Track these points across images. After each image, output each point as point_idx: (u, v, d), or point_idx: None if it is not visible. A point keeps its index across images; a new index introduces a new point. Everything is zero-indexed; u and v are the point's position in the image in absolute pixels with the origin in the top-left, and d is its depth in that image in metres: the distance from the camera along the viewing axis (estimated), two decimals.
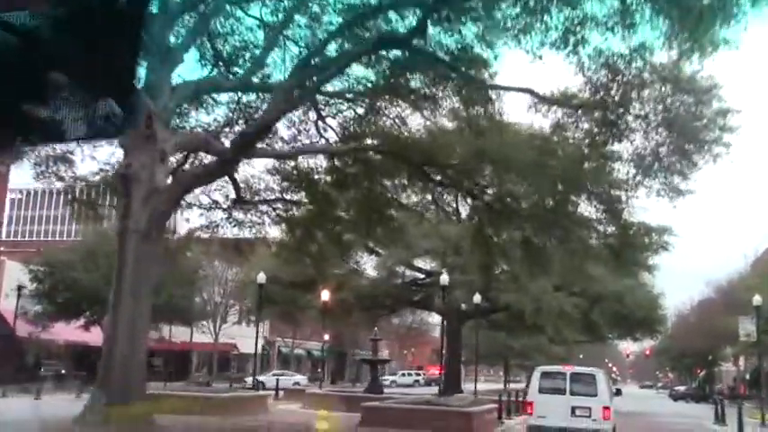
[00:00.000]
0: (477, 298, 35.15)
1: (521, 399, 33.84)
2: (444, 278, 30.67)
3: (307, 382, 57.09)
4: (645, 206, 23.11)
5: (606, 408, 18.04)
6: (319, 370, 79.99)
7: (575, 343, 72.65)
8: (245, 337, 67.33)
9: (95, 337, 46.92)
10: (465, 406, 23.15)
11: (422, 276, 44.21)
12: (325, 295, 35.44)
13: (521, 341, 56.13)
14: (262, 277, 34.64)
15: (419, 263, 42.95)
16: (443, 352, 42.74)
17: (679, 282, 76.65)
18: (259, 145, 21.95)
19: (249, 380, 56.60)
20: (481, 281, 36.22)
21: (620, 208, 20.02)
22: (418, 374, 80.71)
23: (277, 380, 40.28)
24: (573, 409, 17.94)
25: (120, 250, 16.98)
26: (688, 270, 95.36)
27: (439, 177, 21.85)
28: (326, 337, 70.04)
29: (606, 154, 19.71)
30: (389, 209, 27.11)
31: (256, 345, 39.08)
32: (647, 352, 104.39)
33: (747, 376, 74.25)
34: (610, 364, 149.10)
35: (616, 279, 39.38)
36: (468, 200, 23.78)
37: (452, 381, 43.12)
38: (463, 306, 43.49)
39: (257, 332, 37.45)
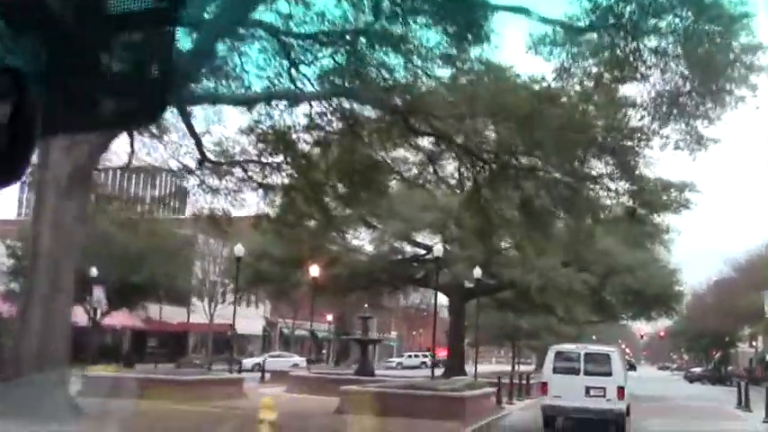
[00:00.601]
0: (477, 272, 32.22)
1: (525, 381, 31.12)
2: (438, 248, 27.65)
3: (305, 363, 54.40)
4: (662, 163, 19.85)
5: (621, 388, 17.70)
6: (324, 351, 77.55)
7: (586, 323, 69.71)
8: (245, 318, 64.93)
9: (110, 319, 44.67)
10: (457, 390, 20.32)
11: (423, 252, 41.25)
12: (314, 271, 32.61)
13: (530, 321, 53.04)
14: (239, 249, 31.89)
15: (420, 238, 39.95)
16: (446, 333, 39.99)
17: (696, 262, 73.44)
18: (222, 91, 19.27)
19: (247, 362, 54.42)
20: (482, 254, 33.28)
21: (633, 161, 16.93)
22: (425, 356, 77.77)
23: (263, 362, 37.33)
24: (587, 390, 17.62)
25: (37, 206, 14.21)
26: (705, 249, 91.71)
27: (426, 129, 18.89)
28: (330, 317, 67.41)
29: (617, 99, 16.63)
30: (376, 171, 24.17)
31: (233, 325, 36.24)
32: (662, 333, 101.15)
33: (767, 357, 71.01)
34: (623, 345, 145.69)
35: (628, 252, 36.35)
36: (464, 159, 20.70)
37: (456, 362, 40.34)
38: (467, 284, 40.63)
39: (235, 310, 34.70)
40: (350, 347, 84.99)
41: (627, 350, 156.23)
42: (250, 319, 66.73)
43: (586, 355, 18.49)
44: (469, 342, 63.59)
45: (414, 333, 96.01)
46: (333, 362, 70.42)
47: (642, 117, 15.87)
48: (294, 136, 24.07)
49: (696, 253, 75.47)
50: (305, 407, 21.93)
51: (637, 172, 17.15)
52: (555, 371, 18.42)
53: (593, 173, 17.55)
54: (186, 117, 22.17)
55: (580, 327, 69.56)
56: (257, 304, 66.81)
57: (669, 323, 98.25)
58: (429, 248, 40.10)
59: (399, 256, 40.82)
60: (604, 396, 17.56)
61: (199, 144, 21.91)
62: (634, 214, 17.76)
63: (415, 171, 37.92)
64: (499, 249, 35.20)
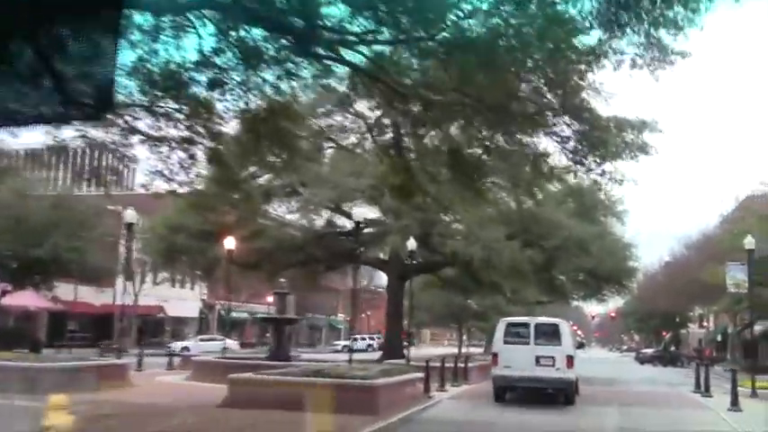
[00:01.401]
0: (411, 243, 28.48)
1: (464, 365, 27.66)
2: (358, 212, 23.59)
3: (238, 347, 50.39)
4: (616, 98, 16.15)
5: (570, 357, 17.90)
6: (268, 335, 73.49)
7: (536, 304, 66.77)
8: (180, 300, 60.53)
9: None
10: (371, 377, 16.57)
11: (359, 225, 37.36)
12: (229, 243, 28.53)
13: (477, 302, 49.71)
14: (131, 215, 27.61)
15: (356, 210, 36.05)
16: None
17: (650, 244, 71.06)
18: None
19: (176, 345, 50.13)
20: (419, 224, 29.64)
21: (581, 92, 13.26)
22: (372, 339, 74.25)
23: (170, 347, 33.00)
24: (537, 359, 17.82)
25: None
26: (657, 231, 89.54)
27: (318, 49, 14.94)
28: (271, 298, 63.20)
29: (561, 12, 12.93)
30: (289, 120, 20.15)
31: (124, 308, 31.94)
32: (613, 314, 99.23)
33: (719, 338, 69.01)
34: (575, 327, 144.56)
35: (579, 225, 33.07)
36: (383, 98, 16.71)
37: (393, 345, 36.69)
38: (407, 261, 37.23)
39: (125, 287, 30.44)
40: (296, 331, 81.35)
41: (578, 331, 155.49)
42: (186, 302, 62.35)
43: (536, 325, 18.65)
44: (417, 323, 60.35)
45: (362, 315, 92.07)
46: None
47: (590, 27, 12.15)
48: (186, 76, 19.98)
49: (651, 235, 73.17)
50: (191, 398, 18.04)
51: (585, 112, 13.51)
52: (505, 342, 18.49)
53: (532, 110, 13.90)
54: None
55: (530, 308, 66.74)
56: (192, 285, 62.39)
57: (620, 304, 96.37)
58: (365, 223, 36.32)
59: (333, 230, 36.88)
60: (554, 365, 17.69)
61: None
62: (583, 163, 14.13)
63: (353, 140, 34.25)
64: (437, 219, 31.55)
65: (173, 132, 21.78)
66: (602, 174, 15.03)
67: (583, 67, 12.64)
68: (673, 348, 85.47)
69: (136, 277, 48.28)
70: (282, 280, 29.71)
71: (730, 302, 35.60)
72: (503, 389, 18.85)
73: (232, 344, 50.37)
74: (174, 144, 22.03)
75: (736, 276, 26.51)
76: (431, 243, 32.58)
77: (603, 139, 13.74)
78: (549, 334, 18.54)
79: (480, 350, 73.48)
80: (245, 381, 16.34)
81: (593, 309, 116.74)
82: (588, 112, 13.39)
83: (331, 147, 35.30)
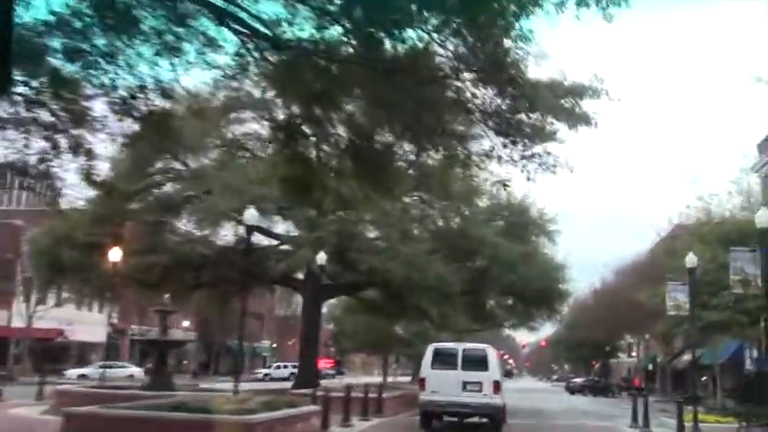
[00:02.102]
0: (321, 257, 25.13)
1: (378, 395, 24.32)
2: (251, 215, 19.78)
3: (143, 375, 45.80)
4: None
5: (496, 382, 17.79)
6: (185, 361, 68.67)
7: (466, 332, 63.96)
8: (85, 324, 55.43)
9: None
10: (248, 411, 13.10)
11: (275, 242, 33.81)
12: (115, 255, 24.61)
13: (404, 328, 46.41)
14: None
15: (266, 223, 32.46)
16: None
17: (579, 270, 69.26)
18: None
19: (72, 372, 45.37)
20: (334, 236, 26.39)
21: (503, 48, 10.32)
22: (296, 366, 70.03)
23: (41, 376, 28.58)
24: (464, 384, 17.78)
25: None
26: (588, 260, 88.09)
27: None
28: (186, 323, 58.81)
29: None
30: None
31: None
32: (543, 342, 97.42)
33: (649, 367, 67.42)
34: (506, 356, 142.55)
35: (508, 243, 30.37)
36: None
37: (307, 373, 33.08)
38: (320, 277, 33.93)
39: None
40: (216, 357, 76.56)
41: (510, 360, 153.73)
42: (92, 325, 57.14)
43: (464, 351, 18.56)
44: (341, 350, 56.86)
45: (289, 342, 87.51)
46: (192, 373, 61.87)
47: None
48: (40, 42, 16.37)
49: (582, 263, 71.39)
50: None
51: (513, 71, 10.53)
52: (433, 367, 18.31)
53: (448, 69, 10.88)
54: None
55: (459, 335, 63.85)
56: (101, 308, 57.36)
57: (551, 332, 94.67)
58: (276, 236, 32.80)
59: (240, 246, 33.20)
60: (480, 391, 17.62)
61: None
62: (511, 135, 11.15)
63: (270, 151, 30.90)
64: (355, 232, 28.36)
65: (28, 115, 17.93)
66: (532, 157, 12.06)
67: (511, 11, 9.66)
68: (602, 378, 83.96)
69: (31, 297, 43.49)
70: (166, 295, 25.88)
71: (668, 326, 33.24)
72: (430, 414, 18.64)
73: (137, 371, 45.87)
74: (32, 129, 18.16)
75: (676, 297, 24.12)
76: (348, 258, 29.30)
77: (531, 103, 10.78)
78: (477, 360, 18.36)
79: (409, 378, 70.35)
80: (79, 415, 12.67)
81: (524, 338, 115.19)
82: (515, 74, 10.41)
83: (242, 155, 31.98)
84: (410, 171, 24.42)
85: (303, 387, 31.06)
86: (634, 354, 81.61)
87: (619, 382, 78.53)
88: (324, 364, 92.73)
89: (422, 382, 18.69)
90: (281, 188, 15.59)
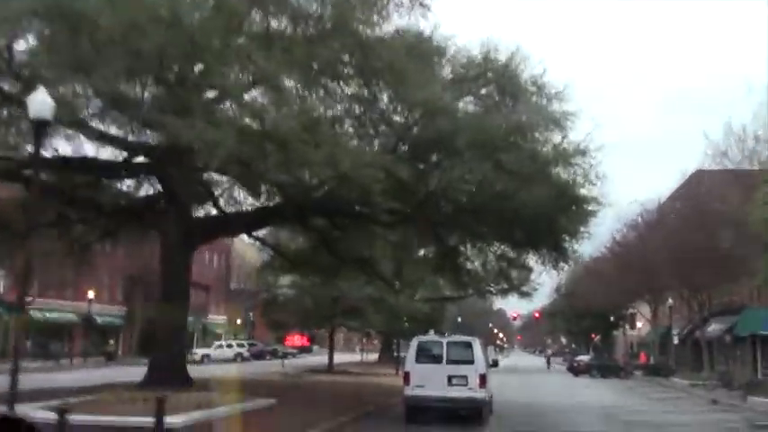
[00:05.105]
0: None
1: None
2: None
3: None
4: None
5: (482, 376, 17.18)
6: (111, 342, 56.01)
7: (442, 300, 50.82)
8: None
9: None
10: None
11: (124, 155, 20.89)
12: None
13: (354, 291, 33.03)
14: None
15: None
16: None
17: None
18: None
19: None
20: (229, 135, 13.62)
21: None
22: (242, 345, 57.26)
23: None
24: (450, 378, 17.11)
25: None
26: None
27: None
28: (91, 294, 45.74)
29: None
30: None
31: None
32: (536, 314, 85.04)
33: (656, 340, 54.91)
34: (495, 330, 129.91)
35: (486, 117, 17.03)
36: None
37: (170, 357, 20.31)
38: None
39: None
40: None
41: (500, 335, 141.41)
42: None
43: (448, 343, 17.75)
44: (274, 323, 43.29)
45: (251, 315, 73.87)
46: (105, 356, 49.17)
47: None
48: None
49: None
50: None
51: None
52: (418, 360, 17.54)
53: None
54: None
55: (435, 305, 50.68)
56: None
57: (545, 303, 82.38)
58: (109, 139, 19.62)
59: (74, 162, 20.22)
60: (466, 385, 17.02)
61: None
62: None
63: None
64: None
65: None
66: None
67: None
68: (604, 354, 71.99)
69: None
70: None
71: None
72: (414, 409, 17.31)
73: None
74: None
75: None
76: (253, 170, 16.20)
77: None
78: (461, 352, 17.42)
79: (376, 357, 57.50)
80: None
81: (515, 309, 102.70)
82: None
83: None
84: None
85: (164, 380, 18.60)
86: (640, 325, 69.58)
87: (624, 357, 66.48)
88: (297, 341, 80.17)
89: (407, 375, 17.64)
90: None
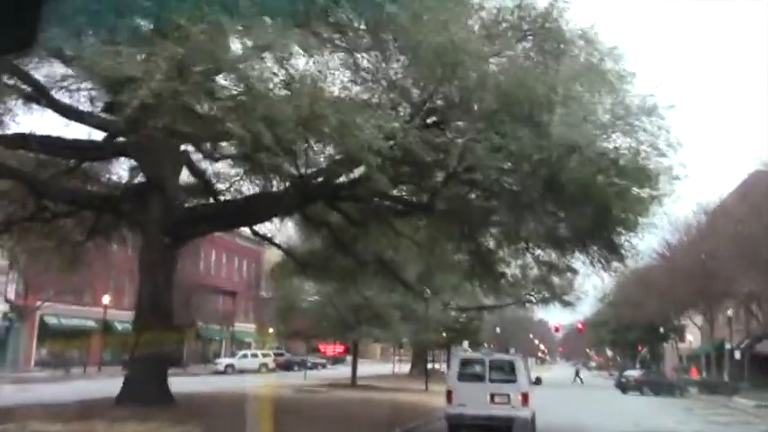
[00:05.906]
0: None
1: None
2: None
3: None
4: None
5: (524, 394, 17.09)
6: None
7: (478, 309, 47.29)
8: None
9: None
10: None
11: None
12: None
13: (377, 298, 29.70)
14: None
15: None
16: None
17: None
18: None
19: None
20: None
21: None
22: (267, 355, 54.38)
23: None
24: (492, 397, 17.11)
25: None
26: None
27: None
28: (106, 299, 43.42)
29: None
30: None
31: None
32: (580, 325, 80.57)
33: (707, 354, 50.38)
34: (536, 341, 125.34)
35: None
36: None
37: (148, 369, 17.36)
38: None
39: None
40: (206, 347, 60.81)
41: (541, 346, 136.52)
42: None
43: (491, 362, 17.79)
44: (301, 332, 39.96)
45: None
46: (123, 365, 46.69)
47: None
48: None
49: None
50: None
51: None
52: (460, 378, 17.53)
53: None
54: None
55: (470, 315, 47.09)
56: None
57: (589, 314, 77.95)
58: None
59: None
60: (509, 403, 17.06)
61: None
62: None
63: None
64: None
65: None
66: None
67: None
68: (653, 368, 67.54)
69: None
70: None
71: None
72: (456, 428, 17.39)
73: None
74: None
75: None
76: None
77: None
78: (504, 370, 17.40)
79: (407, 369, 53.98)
80: None
81: (557, 318, 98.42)
82: None
83: None
84: None
85: (135, 398, 15.79)
86: (691, 337, 64.89)
87: (673, 372, 61.91)
88: (333, 351, 76.21)
89: (449, 394, 17.53)
90: None
